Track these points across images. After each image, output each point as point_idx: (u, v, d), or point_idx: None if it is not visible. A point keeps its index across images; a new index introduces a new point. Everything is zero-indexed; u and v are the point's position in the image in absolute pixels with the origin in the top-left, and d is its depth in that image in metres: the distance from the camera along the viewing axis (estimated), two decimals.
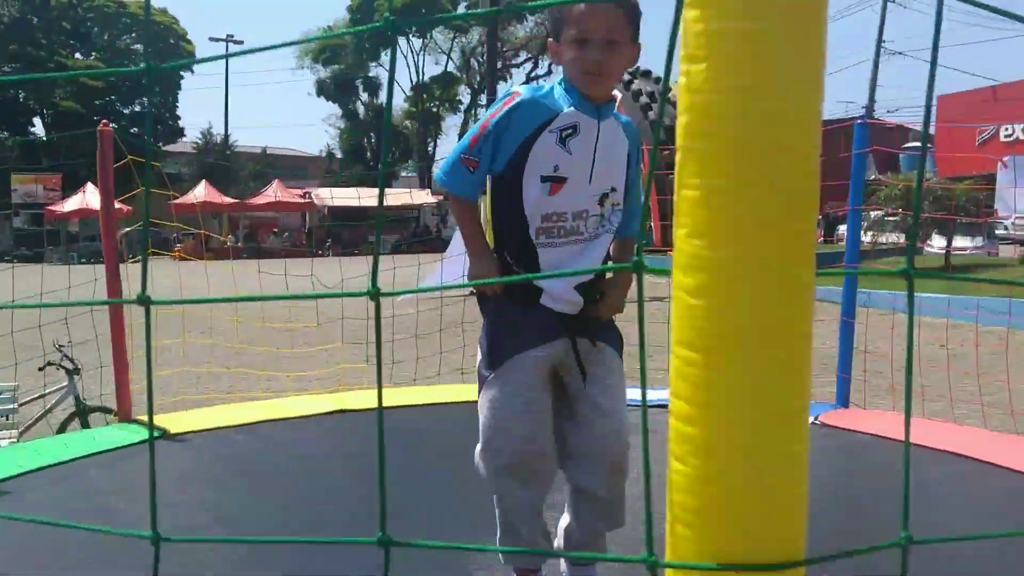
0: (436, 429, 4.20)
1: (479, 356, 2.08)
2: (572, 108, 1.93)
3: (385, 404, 4.69)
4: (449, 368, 6.66)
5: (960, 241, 15.85)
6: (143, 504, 3.14)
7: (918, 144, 37.14)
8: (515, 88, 1.99)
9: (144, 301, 0.74)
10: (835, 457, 3.84)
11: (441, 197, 38.97)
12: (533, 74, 46.15)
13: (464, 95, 48.32)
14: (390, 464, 3.43)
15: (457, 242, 13.08)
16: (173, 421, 4.21)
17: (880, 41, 28.94)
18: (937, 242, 15.92)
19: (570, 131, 1.92)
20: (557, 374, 2.05)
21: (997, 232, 18.17)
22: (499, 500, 2.08)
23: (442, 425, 4.24)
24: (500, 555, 2.17)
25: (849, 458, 3.84)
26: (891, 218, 14.90)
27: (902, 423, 3.14)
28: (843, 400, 4.46)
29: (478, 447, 2.06)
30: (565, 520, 2.16)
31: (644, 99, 22.12)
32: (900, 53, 36.40)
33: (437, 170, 2.15)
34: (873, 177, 31.66)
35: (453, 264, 11.11)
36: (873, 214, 14.62)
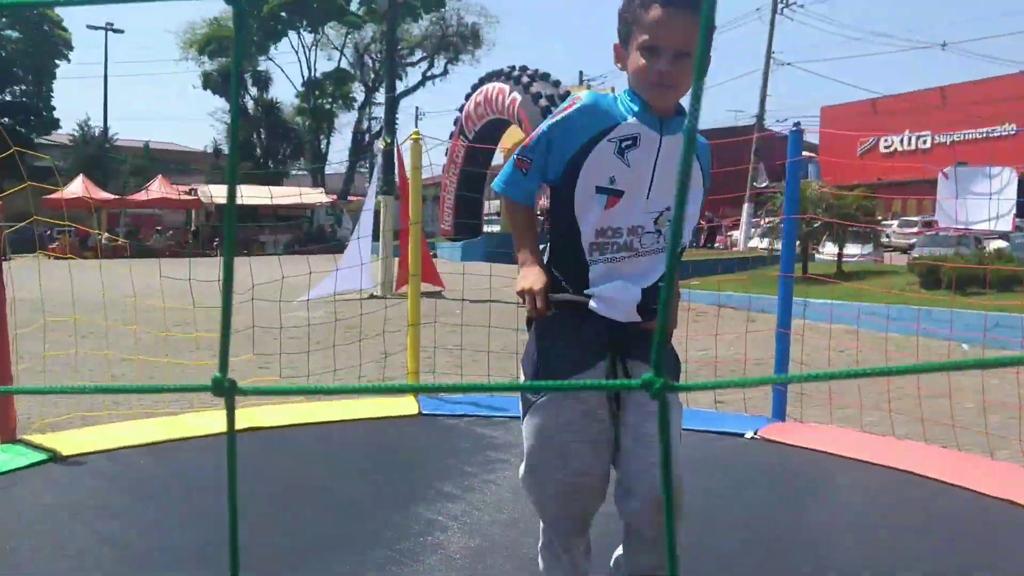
0: (347, 447, 3.94)
1: (521, 375, 1.96)
2: (634, 118, 1.83)
3: (305, 420, 4.37)
4: (353, 376, 6.35)
5: (850, 248, 16.40)
6: (40, 540, 2.75)
7: (808, 153, 38.67)
8: (577, 93, 1.92)
9: (223, 389, 0.48)
10: (775, 472, 3.76)
11: (335, 196, 38.21)
12: (429, 73, 45.72)
13: (358, 92, 47.48)
14: (307, 482, 3.15)
15: (353, 251, 12.73)
16: (65, 441, 3.79)
17: (769, 52, 29.81)
18: (829, 249, 16.42)
19: (630, 142, 1.82)
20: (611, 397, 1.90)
21: (882, 240, 18.96)
22: (543, 519, 2.00)
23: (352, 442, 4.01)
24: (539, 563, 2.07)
25: (790, 473, 3.76)
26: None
27: (840, 436, 3.05)
28: (780, 413, 4.40)
29: (523, 469, 1.94)
30: (619, 550, 2.05)
31: (544, 102, 22.10)
32: (789, 64, 37.66)
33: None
34: (765, 184, 32.63)
35: (349, 275, 10.76)
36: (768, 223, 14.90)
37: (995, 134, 33.01)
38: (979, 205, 7.75)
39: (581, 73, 42.33)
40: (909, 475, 3.55)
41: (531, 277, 1.85)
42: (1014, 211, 9.83)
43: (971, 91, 34.65)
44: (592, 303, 1.85)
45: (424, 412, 4.53)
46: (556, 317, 1.86)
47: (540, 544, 2.05)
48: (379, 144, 23.08)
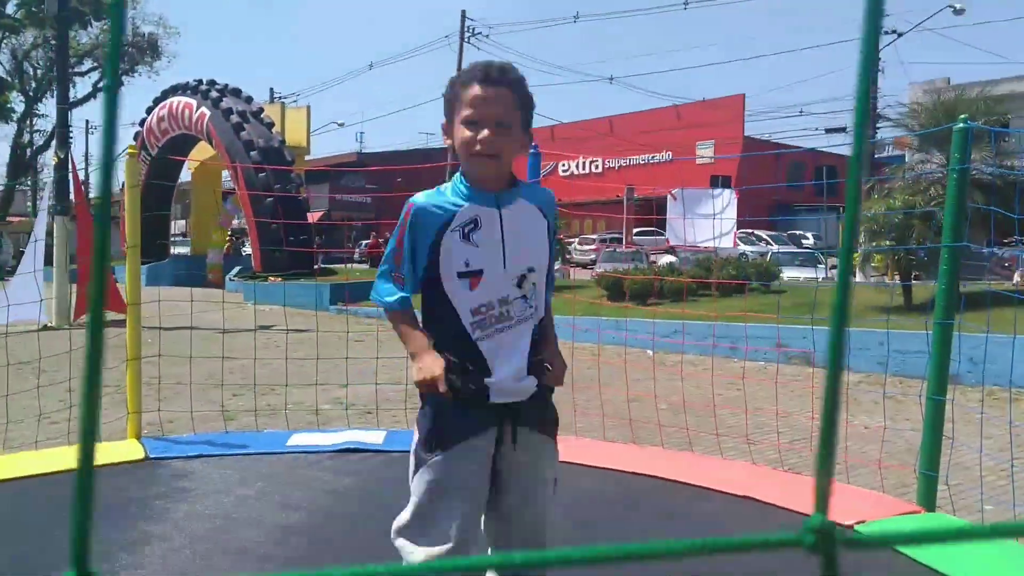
0: None
1: (415, 436, 2.02)
2: (467, 203, 1.97)
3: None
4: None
5: None
6: None
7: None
8: (411, 199, 2.01)
9: None
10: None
11: None
12: (100, 84, 42.17)
13: (17, 102, 42.65)
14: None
15: (29, 258, 11.46)
16: None
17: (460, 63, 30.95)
18: None
19: (472, 226, 1.96)
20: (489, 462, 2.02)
21: (567, 256, 20.37)
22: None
23: None
24: None
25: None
26: None
27: (583, 445, 3.29)
28: None
29: (401, 522, 2.02)
30: None
31: (235, 118, 21.28)
32: None
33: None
34: None
35: (23, 284, 9.73)
36: None
37: (654, 160, 36.78)
38: (704, 224, 8.62)
39: (272, 90, 41.32)
40: (654, 479, 3.95)
41: (427, 363, 1.96)
42: (735, 228, 11.18)
43: (635, 121, 38.43)
44: (491, 394, 1.97)
45: (152, 456, 4.15)
46: (458, 400, 1.97)
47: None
48: (50, 158, 20.92)
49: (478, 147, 1.93)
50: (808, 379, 6.66)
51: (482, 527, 2.08)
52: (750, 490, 3.85)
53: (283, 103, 32.40)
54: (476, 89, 1.94)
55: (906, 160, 14.47)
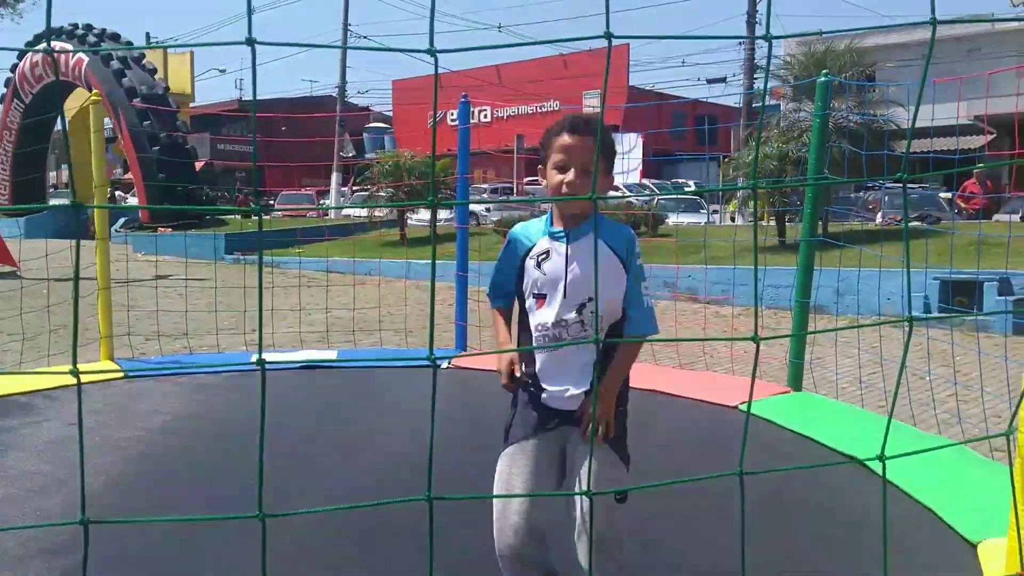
0: None
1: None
2: (545, 237, 2.36)
3: None
4: None
5: (443, 213, 17.74)
6: None
7: (380, 124, 39.99)
8: (511, 229, 2.46)
9: None
10: (467, 390, 4.67)
11: None
12: None
13: None
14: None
15: None
16: None
17: (346, 25, 30.56)
18: (422, 214, 17.62)
19: (544, 256, 2.34)
20: (560, 455, 2.37)
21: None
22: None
23: None
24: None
25: (478, 392, 4.69)
26: (382, 193, 16.20)
27: None
28: (462, 344, 5.25)
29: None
30: None
31: (116, 64, 20.59)
32: (364, 36, 38.76)
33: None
34: (352, 154, 33.39)
35: None
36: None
37: (543, 109, 37.28)
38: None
39: (148, 34, 39.69)
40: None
41: (498, 360, 2.34)
42: (640, 167, 12.15)
43: (523, 70, 38.72)
44: (543, 396, 2.33)
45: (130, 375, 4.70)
46: (521, 390, 2.38)
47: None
48: None
49: (565, 189, 2.28)
50: (699, 313, 7.36)
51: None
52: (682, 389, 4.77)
53: (164, 48, 31.29)
54: (565, 138, 2.29)
55: (781, 109, 15.35)
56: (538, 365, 2.36)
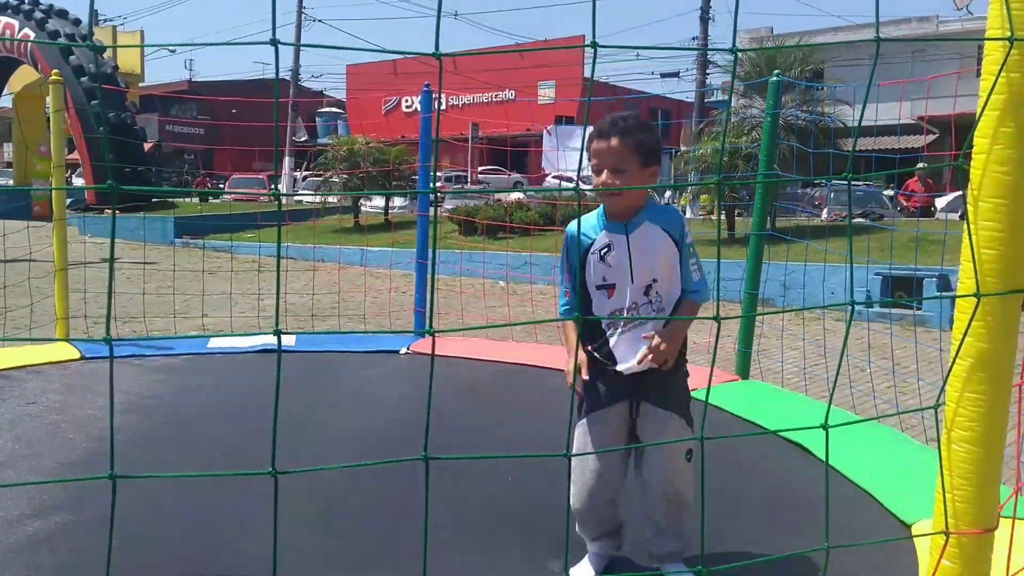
0: None
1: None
2: (604, 231, 2.51)
3: None
4: None
5: (396, 200, 17.76)
6: None
7: (333, 109, 39.57)
8: (567, 228, 2.57)
9: None
10: (427, 378, 4.57)
11: None
12: None
13: None
14: None
15: None
16: None
17: (301, 7, 30.25)
18: (376, 201, 17.59)
19: (607, 249, 2.49)
20: (629, 422, 2.56)
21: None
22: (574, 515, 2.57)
23: None
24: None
25: (440, 376, 4.61)
26: (335, 180, 16.14)
27: (473, 345, 4.12)
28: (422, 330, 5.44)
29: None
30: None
31: (63, 40, 20.16)
32: (320, 20, 38.44)
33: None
34: (304, 139, 33.09)
35: None
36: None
37: (499, 99, 37.35)
38: (574, 156, 9.44)
39: (96, 12, 38.73)
40: (522, 366, 4.99)
41: (569, 366, 2.48)
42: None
43: (478, 59, 38.66)
44: (619, 367, 2.51)
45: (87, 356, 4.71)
46: (594, 371, 2.53)
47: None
48: None
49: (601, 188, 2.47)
50: None
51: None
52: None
53: (114, 27, 30.63)
54: (594, 143, 2.48)
55: (731, 105, 15.62)
56: (612, 343, 2.53)
